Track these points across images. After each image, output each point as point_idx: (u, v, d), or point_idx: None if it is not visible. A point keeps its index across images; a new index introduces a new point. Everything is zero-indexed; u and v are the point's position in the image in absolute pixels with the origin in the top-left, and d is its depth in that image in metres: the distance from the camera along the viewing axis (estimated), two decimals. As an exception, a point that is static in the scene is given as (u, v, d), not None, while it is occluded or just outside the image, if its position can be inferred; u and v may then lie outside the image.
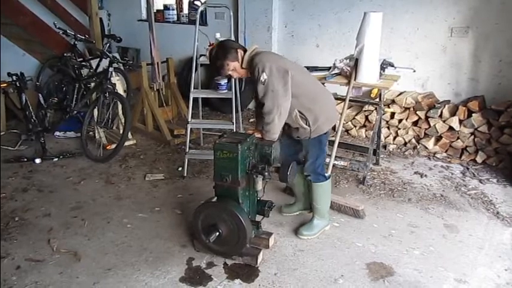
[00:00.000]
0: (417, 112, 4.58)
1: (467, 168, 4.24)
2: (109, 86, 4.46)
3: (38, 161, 4.37)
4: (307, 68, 4.13)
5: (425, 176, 4.11)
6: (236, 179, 2.64)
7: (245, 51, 2.80)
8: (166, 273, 2.75)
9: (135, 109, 5.14)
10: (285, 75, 2.63)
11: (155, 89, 4.99)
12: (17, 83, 4.61)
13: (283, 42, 5.75)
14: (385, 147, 4.72)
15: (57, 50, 6.07)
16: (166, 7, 6.80)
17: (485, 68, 4.50)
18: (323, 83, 4.09)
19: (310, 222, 3.14)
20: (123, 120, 4.63)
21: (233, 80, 4.02)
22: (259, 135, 2.83)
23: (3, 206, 3.52)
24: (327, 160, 3.44)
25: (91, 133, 4.81)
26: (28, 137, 4.75)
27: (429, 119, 4.51)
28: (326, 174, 3.08)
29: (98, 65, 5.25)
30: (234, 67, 2.77)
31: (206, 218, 2.76)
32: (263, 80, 2.62)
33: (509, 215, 3.42)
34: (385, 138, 4.78)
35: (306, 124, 2.80)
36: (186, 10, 6.83)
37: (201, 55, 4.16)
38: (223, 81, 4.06)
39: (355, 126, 5.06)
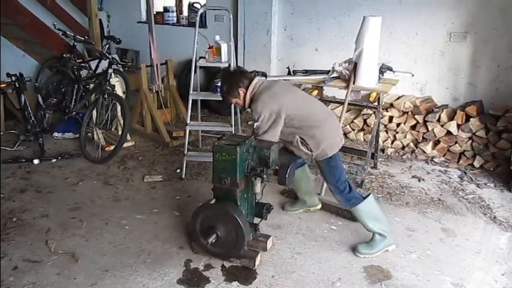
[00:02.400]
0: (415, 116, 4.60)
1: (465, 173, 4.25)
2: (108, 87, 4.46)
3: (36, 161, 4.36)
4: (306, 71, 4.16)
5: (423, 180, 4.12)
6: (235, 181, 2.65)
7: (251, 81, 2.90)
8: (164, 275, 2.75)
9: (134, 111, 5.14)
10: (277, 118, 2.78)
11: (154, 91, 4.99)
12: (16, 83, 4.61)
13: (282, 45, 5.76)
14: (383, 150, 4.72)
15: (56, 51, 6.07)
16: (166, 9, 6.81)
17: (484, 73, 4.52)
18: (321, 87, 4.12)
19: (371, 240, 2.96)
20: (121, 122, 4.63)
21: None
22: None
23: (1, 207, 3.52)
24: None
25: (90, 134, 4.80)
26: (26, 138, 4.75)
27: (427, 123, 4.52)
28: (362, 195, 2.97)
29: (97, 66, 5.26)
30: (236, 101, 2.98)
31: (204, 220, 2.77)
32: (256, 126, 2.82)
33: (506, 220, 3.43)
34: (383, 142, 4.79)
35: (308, 149, 2.87)
36: (185, 12, 6.84)
37: (200, 57, 4.16)
38: (223, 84, 4.07)
39: (353, 130, 5.07)
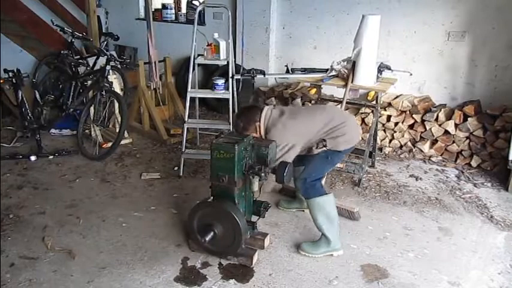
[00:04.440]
0: (413, 115, 4.60)
1: (462, 172, 4.26)
2: (106, 84, 4.45)
3: (33, 158, 4.35)
4: (305, 69, 4.15)
5: (421, 179, 4.13)
6: (232, 180, 2.64)
7: (262, 112, 2.98)
8: (161, 273, 2.75)
9: (131, 108, 5.13)
10: (291, 149, 2.86)
11: (152, 88, 4.97)
12: (14, 79, 4.58)
13: (281, 43, 5.75)
14: (381, 149, 4.73)
15: (54, 47, 6.04)
16: (164, 6, 6.78)
17: (482, 73, 4.53)
18: (320, 85, 4.12)
19: (317, 240, 2.97)
20: (119, 119, 4.62)
21: (230, 80, 4.03)
22: None
23: (-1, 203, 3.52)
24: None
25: (87, 131, 4.78)
26: (24, 134, 4.74)
27: (425, 123, 4.53)
28: (325, 192, 2.97)
29: (95, 63, 5.23)
30: (251, 134, 2.97)
31: (202, 218, 2.77)
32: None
33: (503, 219, 3.44)
34: (381, 140, 4.80)
35: (323, 146, 2.90)
36: (184, 9, 6.82)
37: (198, 55, 4.15)
38: (221, 81, 4.06)
39: (351, 129, 5.07)
